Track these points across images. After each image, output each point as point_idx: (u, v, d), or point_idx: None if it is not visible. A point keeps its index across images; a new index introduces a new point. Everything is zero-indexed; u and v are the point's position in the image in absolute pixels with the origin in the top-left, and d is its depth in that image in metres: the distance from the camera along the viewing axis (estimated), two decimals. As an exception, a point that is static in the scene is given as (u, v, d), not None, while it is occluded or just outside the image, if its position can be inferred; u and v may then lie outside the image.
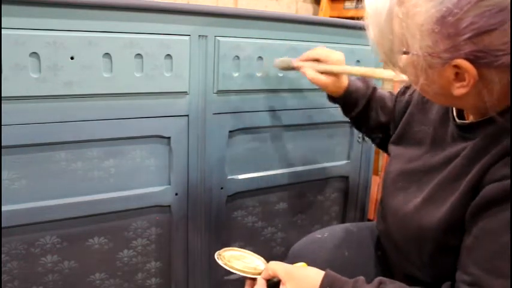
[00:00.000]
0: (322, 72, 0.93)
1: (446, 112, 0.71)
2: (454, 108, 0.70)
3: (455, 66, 0.54)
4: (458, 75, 0.55)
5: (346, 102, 0.97)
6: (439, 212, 0.63)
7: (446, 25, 0.52)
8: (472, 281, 0.58)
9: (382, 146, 1.02)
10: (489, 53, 0.52)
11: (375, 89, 0.97)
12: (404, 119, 0.82)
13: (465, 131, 0.65)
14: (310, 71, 0.94)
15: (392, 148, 0.83)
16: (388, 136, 0.96)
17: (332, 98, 0.99)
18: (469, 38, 0.51)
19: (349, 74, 0.94)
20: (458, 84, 0.56)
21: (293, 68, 1.01)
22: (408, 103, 0.82)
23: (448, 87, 0.58)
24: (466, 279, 0.59)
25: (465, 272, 0.59)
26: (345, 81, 0.95)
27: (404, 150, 0.78)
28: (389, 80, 0.86)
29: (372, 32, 0.61)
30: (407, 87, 0.84)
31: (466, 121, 0.66)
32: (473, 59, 0.53)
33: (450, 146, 0.67)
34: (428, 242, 0.66)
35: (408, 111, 0.81)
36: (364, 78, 0.98)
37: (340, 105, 0.99)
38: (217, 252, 0.80)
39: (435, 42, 0.54)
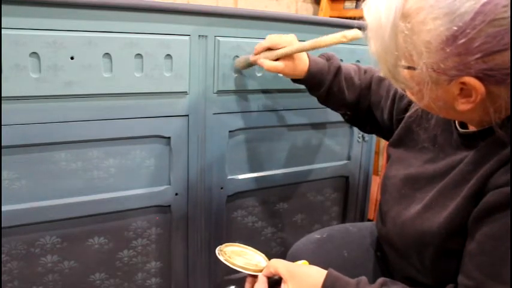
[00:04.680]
0: (277, 59, 0.91)
1: (448, 120, 0.70)
2: None
3: (462, 82, 0.53)
4: (463, 90, 0.54)
5: (309, 84, 0.94)
6: (439, 218, 0.63)
7: (456, 44, 0.50)
8: (474, 286, 0.58)
9: (353, 122, 1.00)
10: (499, 72, 0.51)
11: (339, 68, 0.93)
12: (404, 121, 0.80)
13: (468, 140, 0.65)
14: (266, 62, 0.91)
15: (392, 151, 0.82)
16: (358, 113, 0.95)
17: (296, 81, 0.97)
18: (480, 58, 0.50)
19: (301, 51, 0.90)
20: (463, 100, 0.55)
21: (251, 64, 0.99)
22: (408, 106, 0.81)
23: (452, 102, 0.57)
24: (469, 283, 0.58)
25: (468, 277, 0.59)
26: (305, 62, 0.92)
27: (405, 155, 0.78)
28: (337, 43, 0.84)
29: (373, 47, 0.58)
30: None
31: (469, 130, 0.65)
32: (482, 77, 0.51)
33: (452, 154, 0.67)
34: (428, 247, 0.65)
35: (408, 114, 0.80)
36: (328, 57, 0.95)
37: (304, 86, 0.97)
38: (219, 247, 0.79)
39: (443, 60, 0.52)
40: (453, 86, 0.54)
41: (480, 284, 0.57)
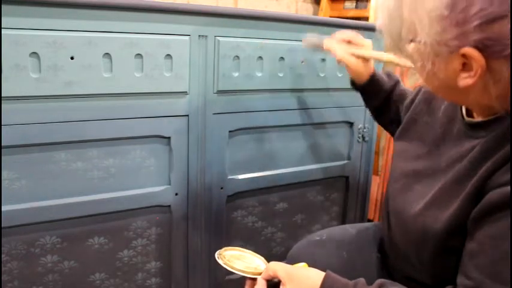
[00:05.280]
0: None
1: (454, 110, 0.71)
2: (463, 106, 0.69)
3: (463, 55, 0.54)
4: (466, 65, 0.55)
5: (368, 90, 0.98)
6: (443, 215, 0.63)
7: (455, 11, 0.52)
8: (474, 286, 0.57)
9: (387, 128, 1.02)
10: (498, 42, 0.51)
11: (397, 82, 0.97)
12: (408, 114, 0.81)
13: (473, 130, 0.65)
14: (340, 51, 0.95)
15: (395, 143, 0.82)
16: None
17: (354, 84, 1.00)
18: (478, 25, 0.51)
19: (376, 59, 0.94)
20: (465, 75, 0.56)
21: (321, 47, 1.00)
22: (414, 99, 0.82)
23: (454, 78, 0.57)
24: (468, 283, 0.58)
25: (467, 277, 0.59)
26: (371, 68, 0.96)
27: (408, 146, 0.78)
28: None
29: (380, 19, 0.61)
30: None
31: (475, 119, 0.65)
32: (481, 48, 0.52)
33: (456, 146, 0.67)
34: (428, 244, 0.65)
35: (413, 106, 0.81)
36: (388, 73, 0.99)
37: (361, 92, 0.99)
38: (218, 251, 0.80)
39: (443, 29, 0.53)
40: (455, 59, 0.55)
41: (479, 284, 0.57)
